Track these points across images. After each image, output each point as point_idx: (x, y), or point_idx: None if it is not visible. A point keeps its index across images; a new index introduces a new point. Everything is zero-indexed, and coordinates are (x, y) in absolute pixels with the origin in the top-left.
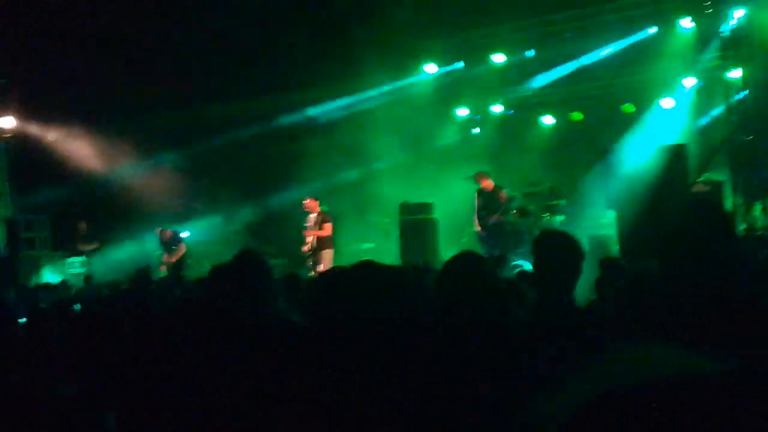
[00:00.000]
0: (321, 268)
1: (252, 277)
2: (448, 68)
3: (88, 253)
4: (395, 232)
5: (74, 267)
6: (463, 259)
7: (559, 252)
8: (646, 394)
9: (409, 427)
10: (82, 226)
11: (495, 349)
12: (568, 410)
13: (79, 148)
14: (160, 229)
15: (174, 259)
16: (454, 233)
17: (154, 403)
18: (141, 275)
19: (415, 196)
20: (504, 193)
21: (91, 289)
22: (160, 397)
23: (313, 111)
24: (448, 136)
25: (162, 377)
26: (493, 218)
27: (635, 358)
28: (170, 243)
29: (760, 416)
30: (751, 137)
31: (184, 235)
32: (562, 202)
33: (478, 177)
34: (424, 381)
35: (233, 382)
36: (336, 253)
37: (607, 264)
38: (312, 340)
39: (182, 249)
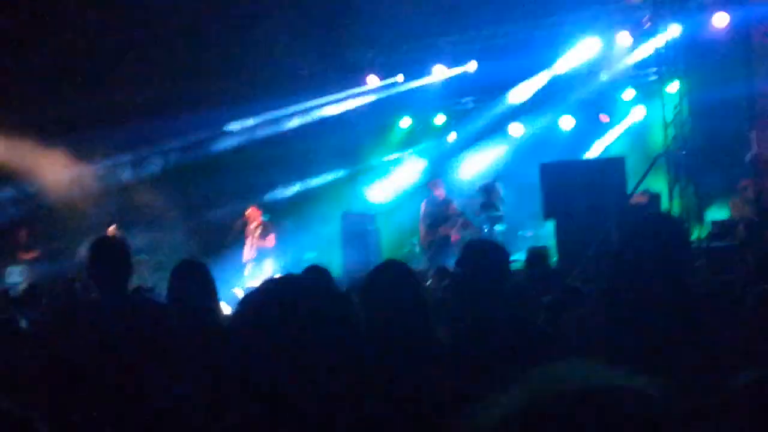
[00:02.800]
0: (261, 277)
1: (193, 283)
2: (391, 79)
3: (29, 262)
4: (338, 242)
5: (14, 276)
6: (388, 270)
7: (484, 260)
8: (560, 408)
9: None
10: (22, 233)
11: (418, 364)
12: (488, 425)
13: (17, 155)
14: (114, 226)
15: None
16: (397, 244)
17: (90, 413)
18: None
19: (358, 206)
20: (454, 206)
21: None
22: (98, 405)
23: (251, 122)
24: (391, 147)
25: (100, 384)
26: (441, 230)
27: (556, 373)
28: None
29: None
30: (684, 152)
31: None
32: (500, 213)
33: (432, 184)
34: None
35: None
36: (278, 263)
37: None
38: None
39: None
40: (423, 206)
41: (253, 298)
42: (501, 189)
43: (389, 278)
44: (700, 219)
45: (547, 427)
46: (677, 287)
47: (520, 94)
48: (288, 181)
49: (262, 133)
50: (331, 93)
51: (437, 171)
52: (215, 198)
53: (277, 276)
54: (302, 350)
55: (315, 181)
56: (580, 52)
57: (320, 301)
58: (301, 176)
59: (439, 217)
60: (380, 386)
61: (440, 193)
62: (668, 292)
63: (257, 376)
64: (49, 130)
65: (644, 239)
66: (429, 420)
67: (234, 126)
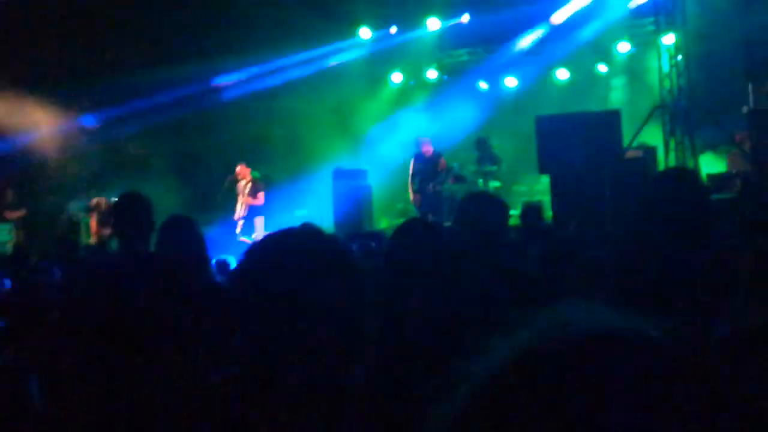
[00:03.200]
0: (255, 235)
1: (182, 239)
2: (382, 33)
3: (16, 221)
4: (329, 199)
5: (1, 234)
6: (415, 226)
7: (484, 212)
8: (562, 353)
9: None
10: (8, 192)
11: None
12: (485, 373)
13: (2, 111)
14: (96, 200)
15: (108, 232)
16: (389, 200)
17: (83, 366)
18: (66, 245)
19: (349, 162)
20: (443, 161)
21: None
22: (91, 358)
23: (241, 76)
24: (383, 103)
25: (91, 339)
26: (431, 186)
27: (556, 316)
28: (107, 215)
29: (672, 380)
30: (680, 104)
31: None
32: (496, 168)
33: (419, 141)
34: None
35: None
36: (268, 220)
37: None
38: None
39: None
40: (411, 164)
41: (256, 250)
42: (494, 144)
43: (420, 236)
44: (697, 172)
45: (548, 371)
46: (699, 243)
47: (514, 46)
48: (278, 137)
49: (251, 87)
50: (323, 46)
51: (430, 125)
52: (205, 154)
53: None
54: (309, 299)
55: (306, 137)
56: (575, 2)
57: (325, 250)
58: (291, 132)
59: (428, 174)
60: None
61: (427, 149)
62: (691, 248)
63: (262, 330)
64: (34, 85)
65: (668, 195)
66: (430, 370)
67: (223, 80)
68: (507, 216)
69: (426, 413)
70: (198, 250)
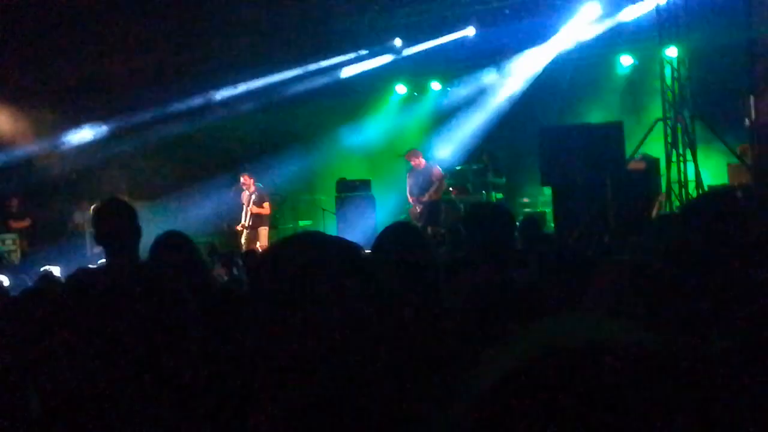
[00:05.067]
0: (258, 245)
1: (175, 256)
2: (387, 45)
3: (20, 231)
4: (333, 210)
5: (6, 244)
6: (399, 229)
7: (489, 223)
8: (559, 364)
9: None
10: (13, 202)
11: (428, 326)
12: (488, 382)
13: (7, 122)
14: (94, 205)
15: None
16: (393, 211)
17: (86, 380)
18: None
19: (354, 174)
20: (438, 170)
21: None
22: (95, 371)
23: (248, 88)
24: (387, 114)
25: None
26: (426, 196)
27: (557, 327)
28: None
29: (672, 391)
30: (683, 116)
31: None
32: (502, 180)
33: (409, 155)
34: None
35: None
36: (273, 231)
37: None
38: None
39: None
40: (408, 179)
41: (266, 258)
42: (498, 155)
43: (398, 238)
44: (699, 184)
45: (548, 382)
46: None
47: (519, 59)
48: (285, 148)
49: (257, 101)
50: (327, 57)
51: (434, 137)
52: (209, 166)
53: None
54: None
55: (310, 148)
56: (581, 17)
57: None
58: (297, 143)
59: (424, 185)
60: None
61: (418, 162)
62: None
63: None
64: (38, 96)
65: (708, 214)
66: (431, 379)
67: (228, 93)
68: (513, 226)
69: (428, 422)
70: (193, 264)
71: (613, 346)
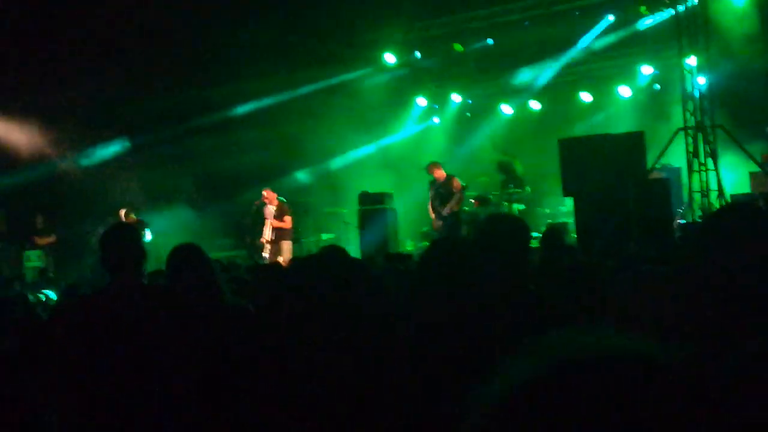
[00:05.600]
0: (281, 259)
1: (191, 268)
2: (407, 58)
3: (45, 247)
4: (355, 223)
5: (31, 260)
6: (446, 247)
7: (506, 234)
8: (572, 374)
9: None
10: (39, 219)
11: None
12: (499, 394)
13: (31, 138)
14: (125, 210)
15: None
16: (415, 223)
17: (104, 395)
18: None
19: (376, 187)
20: (457, 182)
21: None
22: (114, 387)
23: (270, 101)
24: (408, 126)
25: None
26: (447, 209)
27: (572, 340)
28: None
29: (679, 405)
30: (711, 125)
31: (148, 235)
32: (527, 189)
33: (430, 168)
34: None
35: (191, 366)
36: (296, 244)
37: (553, 247)
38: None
39: (147, 237)
40: (429, 192)
41: (278, 277)
42: (519, 166)
43: (444, 254)
44: (720, 193)
45: (558, 394)
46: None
47: (538, 73)
48: (307, 162)
49: (279, 114)
50: (348, 71)
51: (455, 149)
52: (233, 180)
53: (298, 257)
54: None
55: (332, 162)
56: (599, 28)
57: (343, 275)
58: (319, 157)
59: (445, 197)
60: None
61: (439, 174)
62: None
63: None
64: (61, 113)
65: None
66: (444, 391)
67: (250, 107)
68: (528, 238)
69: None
70: (208, 276)
71: (623, 359)
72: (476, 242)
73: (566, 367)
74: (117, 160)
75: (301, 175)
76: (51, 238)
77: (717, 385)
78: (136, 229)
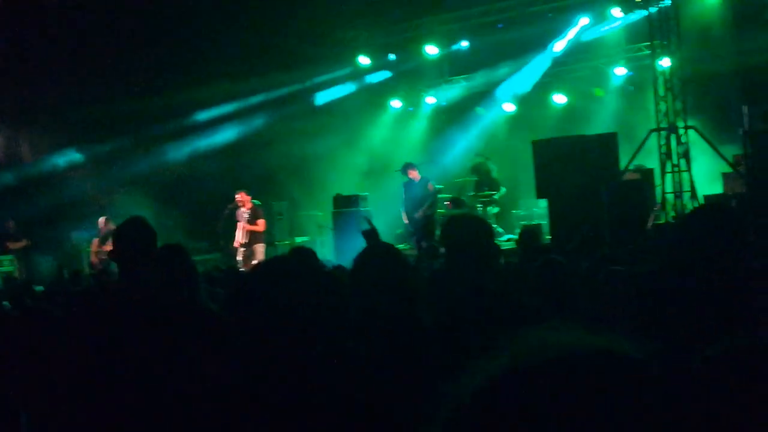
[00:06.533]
0: (254, 262)
1: (175, 269)
2: (382, 60)
3: (17, 252)
4: (330, 225)
5: (3, 265)
6: (375, 252)
7: (467, 234)
8: (544, 373)
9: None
10: (10, 224)
11: (405, 340)
12: (467, 394)
13: (3, 143)
14: (105, 218)
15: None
16: (388, 226)
17: (72, 401)
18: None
19: (351, 189)
20: (431, 185)
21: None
22: (81, 393)
23: (243, 104)
24: (383, 129)
25: (83, 372)
26: (420, 212)
27: (542, 338)
28: (109, 235)
29: (649, 398)
30: (683, 125)
31: None
32: (502, 190)
33: (405, 169)
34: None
35: (160, 373)
36: (270, 248)
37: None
38: (237, 331)
39: None
40: (403, 193)
41: (244, 282)
42: (493, 168)
43: (376, 260)
44: (693, 194)
45: (530, 392)
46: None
47: (513, 72)
48: (279, 164)
49: (251, 114)
50: (322, 74)
51: (429, 151)
52: (203, 183)
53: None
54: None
55: (306, 165)
56: (573, 29)
57: (306, 280)
58: (293, 158)
59: (418, 200)
60: (363, 364)
61: (414, 176)
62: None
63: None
64: (33, 119)
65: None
66: (414, 390)
67: (224, 110)
68: (491, 236)
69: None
70: (190, 277)
71: (593, 356)
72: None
73: (535, 365)
74: (86, 165)
75: (275, 178)
76: (23, 243)
77: (684, 382)
78: (150, 226)
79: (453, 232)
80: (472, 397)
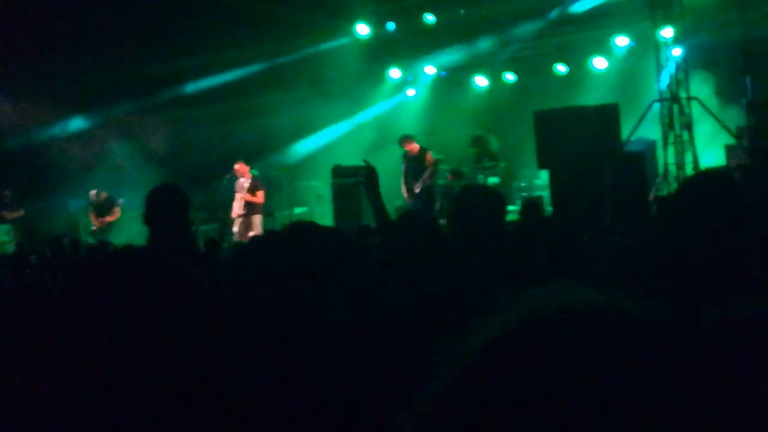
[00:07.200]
0: (251, 233)
1: (170, 209)
2: (380, 29)
3: (14, 221)
4: (328, 196)
5: (0, 235)
6: (415, 218)
7: (480, 205)
8: (549, 329)
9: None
10: (6, 193)
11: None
12: (470, 351)
13: (2, 112)
14: (96, 191)
15: (107, 222)
16: (388, 197)
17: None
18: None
19: (350, 160)
20: (430, 155)
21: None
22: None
23: (239, 73)
24: (382, 99)
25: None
26: (419, 183)
27: (550, 294)
28: (104, 206)
29: (651, 356)
30: (686, 96)
31: (120, 201)
32: (501, 165)
33: (402, 140)
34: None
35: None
36: (268, 218)
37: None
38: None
39: (116, 214)
40: (402, 165)
41: (240, 256)
42: (494, 142)
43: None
44: (696, 166)
45: (535, 349)
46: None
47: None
48: (278, 135)
49: (250, 82)
50: (320, 42)
51: (429, 122)
52: (202, 152)
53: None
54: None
55: (305, 136)
56: None
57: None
58: (291, 131)
59: (417, 171)
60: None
61: (412, 147)
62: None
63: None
64: (29, 85)
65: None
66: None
67: (221, 79)
68: (504, 207)
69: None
70: (184, 221)
71: (596, 313)
72: (451, 216)
73: (539, 321)
74: (83, 134)
75: (273, 148)
76: (19, 212)
77: (691, 339)
78: (184, 194)
79: (467, 201)
80: (474, 354)
